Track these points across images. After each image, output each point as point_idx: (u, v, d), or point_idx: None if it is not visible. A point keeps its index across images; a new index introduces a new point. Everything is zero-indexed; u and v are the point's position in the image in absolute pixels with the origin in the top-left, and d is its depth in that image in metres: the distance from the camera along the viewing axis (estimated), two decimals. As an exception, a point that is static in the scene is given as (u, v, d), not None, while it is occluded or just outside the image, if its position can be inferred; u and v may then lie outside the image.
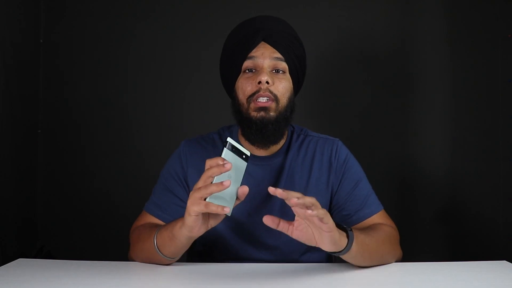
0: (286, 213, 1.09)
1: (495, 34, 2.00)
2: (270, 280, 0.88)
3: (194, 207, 0.80)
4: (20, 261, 1.02)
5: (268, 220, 0.83)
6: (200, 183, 0.81)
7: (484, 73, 2.02)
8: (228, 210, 0.78)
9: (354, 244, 0.87)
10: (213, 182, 0.79)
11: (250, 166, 1.09)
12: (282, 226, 0.84)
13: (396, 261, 1.03)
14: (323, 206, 1.10)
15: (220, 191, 0.78)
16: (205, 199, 0.79)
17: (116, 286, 0.84)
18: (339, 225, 0.87)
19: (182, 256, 0.98)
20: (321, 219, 0.79)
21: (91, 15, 2.06)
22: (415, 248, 1.94)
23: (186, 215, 0.83)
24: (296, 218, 0.84)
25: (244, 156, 0.83)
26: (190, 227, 0.84)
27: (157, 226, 1.01)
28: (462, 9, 2.03)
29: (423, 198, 2.05)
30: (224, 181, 0.77)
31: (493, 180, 1.99)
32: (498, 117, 2.00)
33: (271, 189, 0.77)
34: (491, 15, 2.01)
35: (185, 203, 1.08)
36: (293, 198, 0.76)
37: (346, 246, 0.86)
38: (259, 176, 1.10)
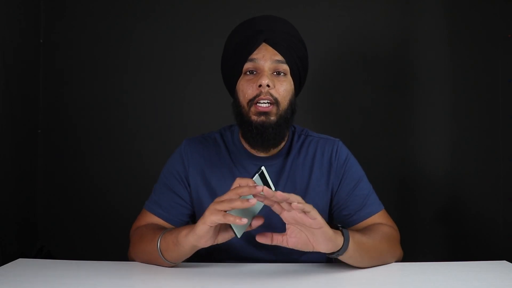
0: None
1: (495, 34, 2.00)
2: (270, 280, 0.88)
3: (212, 216, 0.81)
4: (20, 261, 1.02)
5: (262, 238, 0.85)
6: (224, 196, 0.82)
7: (484, 73, 2.02)
8: (245, 221, 0.79)
9: (350, 242, 0.87)
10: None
11: (251, 166, 1.09)
12: (276, 239, 0.86)
13: (396, 261, 1.03)
14: (324, 207, 1.11)
15: (244, 207, 0.79)
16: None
17: (116, 286, 0.84)
18: (333, 225, 0.88)
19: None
20: (307, 213, 0.80)
21: (91, 15, 2.06)
22: (415, 248, 1.94)
23: (200, 223, 0.84)
24: (287, 226, 0.86)
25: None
26: (199, 236, 0.85)
27: (160, 228, 1.01)
28: (462, 9, 2.03)
29: (423, 198, 2.05)
30: (250, 199, 0.78)
31: (493, 180, 1.99)
32: (498, 117, 2.00)
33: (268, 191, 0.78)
34: (491, 15, 2.01)
35: (186, 202, 1.09)
36: (294, 203, 0.78)
37: (343, 245, 0.86)
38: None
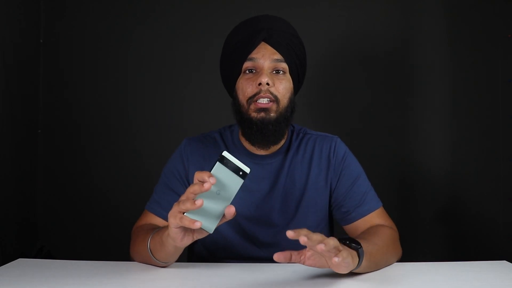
0: (286, 211, 1.09)
1: (495, 34, 2.00)
2: (270, 280, 0.88)
3: (171, 219, 0.81)
4: (20, 261, 1.02)
5: (280, 257, 0.80)
6: (183, 197, 0.80)
7: (484, 73, 2.02)
8: (199, 225, 0.76)
9: (364, 260, 0.85)
10: (198, 198, 0.78)
11: (250, 164, 1.09)
12: (295, 259, 0.82)
13: (396, 260, 1.03)
14: (323, 203, 1.11)
15: (193, 209, 0.77)
16: (184, 213, 0.79)
17: (116, 286, 0.84)
18: (349, 238, 0.86)
19: (183, 256, 0.98)
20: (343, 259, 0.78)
21: (91, 15, 2.06)
22: (415, 248, 1.94)
23: (169, 226, 0.83)
24: (308, 249, 0.83)
25: (241, 173, 0.79)
26: (173, 238, 0.84)
27: (153, 228, 1.01)
28: (462, 9, 2.03)
29: (423, 198, 2.05)
30: (197, 200, 0.76)
31: (493, 180, 1.99)
32: (498, 117, 2.00)
33: (290, 233, 0.76)
34: (491, 15, 2.01)
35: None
36: (320, 245, 0.74)
37: (357, 264, 0.84)
38: (259, 174, 1.10)
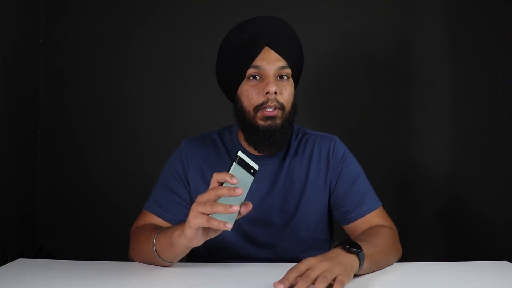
0: (286, 211, 1.09)
1: (495, 34, 2.00)
2: (270, 280, 0.88)
3: (195, 220, 0.79)
4: (20, 261, 1.02)
5: (281, 286, 0.77)
6: (204, 197, 0.79)
7: (484, 73, 2.02)
8: (230, 227, 0.77)
9: (365, 263, 0.85)
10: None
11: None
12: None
13: (397, 260, 1.03)
14: (322, 203, 1.11)
15: (226, 213, 0.77)
16: (207, 214, 0.78)
17: (116, 286, 0.84)
18: (349, 242, 0.85)
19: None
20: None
21: (91, 15, 2.06)
22: (415, 248, 1.94)
23: (187, 227, 0.82)
24: None
25: (252, 171, 0.81)
26: (189, 238, 0.84)
27: (156, 228, 1.01)
28: (462, 9, 2.04)
29: (423, 198, 2.05)
30: (233, 205, 0.76)
31: (493, 180, 1.99)
32: (498, 117, 2.00)
33: (277, 286, 0.75)
34: (491, 15, 2.01)
35: (186, 201, 1.10)
36: None
37: (358, 268, 0.84)
38: (259, 175, 1.09)
